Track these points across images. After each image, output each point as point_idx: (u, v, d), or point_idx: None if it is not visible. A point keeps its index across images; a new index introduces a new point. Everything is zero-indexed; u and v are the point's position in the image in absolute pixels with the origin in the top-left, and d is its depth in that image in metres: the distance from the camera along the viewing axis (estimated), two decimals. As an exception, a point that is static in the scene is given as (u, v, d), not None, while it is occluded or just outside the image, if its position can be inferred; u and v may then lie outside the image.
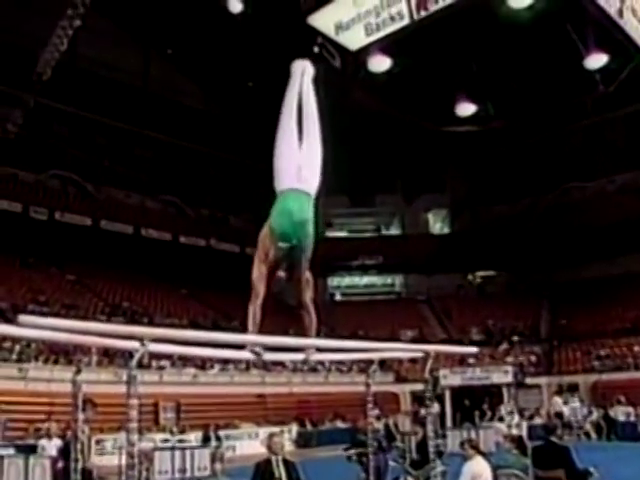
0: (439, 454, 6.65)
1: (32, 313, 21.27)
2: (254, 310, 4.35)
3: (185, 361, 24.49)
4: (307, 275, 4.38)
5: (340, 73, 33.11)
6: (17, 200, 29.42)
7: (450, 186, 42.91)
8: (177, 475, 7.41)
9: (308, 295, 4.27)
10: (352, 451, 9.57)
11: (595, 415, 22.67)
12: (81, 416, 4.70)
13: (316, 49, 30.49)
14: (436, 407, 25.30)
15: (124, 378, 3.60)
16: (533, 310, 34.89)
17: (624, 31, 16.72)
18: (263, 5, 25.67)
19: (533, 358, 30.35)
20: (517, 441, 8.87)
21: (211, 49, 33.25)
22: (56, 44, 25.87)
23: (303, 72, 5.56)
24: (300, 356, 4.25)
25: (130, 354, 3.51)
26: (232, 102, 37.26)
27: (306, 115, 5.36)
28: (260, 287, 4.36)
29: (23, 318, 3.12)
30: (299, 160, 4.68)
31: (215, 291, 32.70)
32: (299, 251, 4.30)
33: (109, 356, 21.99)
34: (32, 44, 28.02)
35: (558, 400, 23.70)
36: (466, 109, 37.27)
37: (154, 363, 22.91)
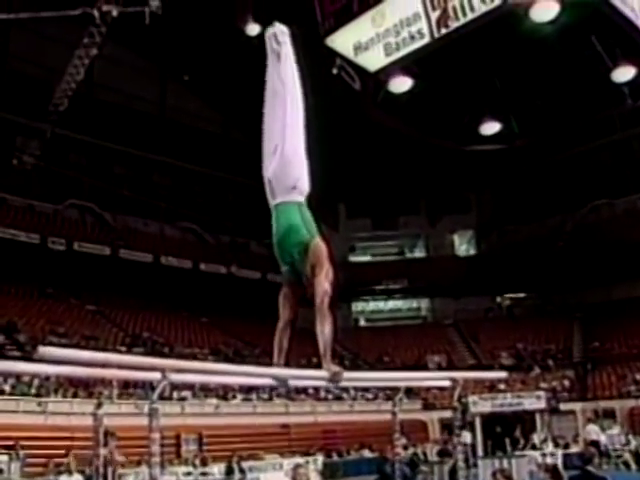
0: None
1: (51, 345, 21.44)
2: (277, 337, 4.34)
3: (207, 392, 24.48)
4: (319, 278, 4.15)
5: (360, 95, 33.41)
6: (35, 231, 29.74)
7: (475, 206, 42.81)
8: (200, 510, 7.37)
9: (318, 313, 4.07)
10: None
11: (634, 443, 22.18)
12: (102, 451, 4.71)
13: (335, 71, 30.77)
14: (468, 436, 25.03)
15: (145, 410, 3.60)
16: (564, 332, 34.49)
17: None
18: (280, 28, 25.94)
19: (566, 383, 29.92)
20: (552, 471, 8.71)
21: (228, 73, 33.63)
22: (72, 74, 26.29)
23: (277, 47, 4.82)
24: (324, 383, 4.21)
25: (151, 386, 3.52)
26: (250, 126, 37.50)
27: (283, 99, 4.69)
28: (282, 312, 4.34)
29: (42, 350, 3.14)
30: (270, 170, 4.52)
31: (237, 319, 32.78)
32: (299, 263, 4.20)
33: (130, 388, 22.05)
34: (48, 74, 28.60)
35: (594, 427, 23.22)
36: (490, 127, 37.24)
37: (175, 394, 22.92)
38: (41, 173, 31.11)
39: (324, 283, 3.95)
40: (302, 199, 4.17)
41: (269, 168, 4.37)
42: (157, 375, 3.49)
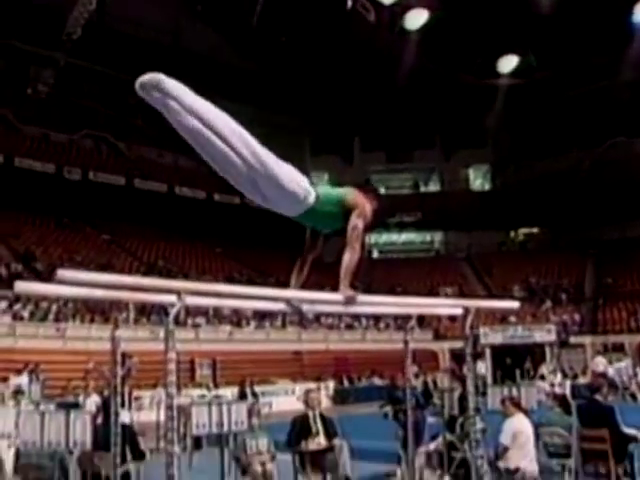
0: (478, 411, 6.67)
1: (68, 272, 21.74)
2: (297, 265, 4.35)
3: (221, 318, 24.85)
4: (353, 216, 4.00)
5: (375, 28, 32.79)
6: (50, 161, 29.82)
7: (491, 141, 42.34)
8: (215, 429, 7.55)
9: (348, 244, 3.99)
10: (388, 408, 9.67)
11: (640, 376, 22.47)
12: (120, 371, 4.81)
13: (350, 3, 30.14)
14: (483, 367, 25.37)
15: (161, 335, 3.65)
16: (577, 268, 34.54)
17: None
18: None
19: (577, 317, 30.13)
20: (561, 399, 8.85)
21: (242, 4, 33.01)
22: (85, 3, 25.93)
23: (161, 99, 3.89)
24: (341, 308, 4.24)
25: (165, 311, 3.55)
26: (265, 57, 37.02)
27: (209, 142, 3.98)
28: (307, 246, 4.31)
29: (61, 273, 3.16)
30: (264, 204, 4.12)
31: (250, 248, 32.97)
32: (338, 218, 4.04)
33: (145, 314, 22.41)
34: (61, 3, 28.11)
35: (602, 360, 23.50)
36: (508, 61, 36.70)
37: (190, 321, 23.28)
38: (56, 102, 30.98)
39: (356, 220, 3.94)
40: (312, 199, 3.84)
41: (263, 203, 3.98)
42: (173, 298, 3.52)
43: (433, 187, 43.83)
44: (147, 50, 33.86)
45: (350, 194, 4.08)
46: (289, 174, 3.86)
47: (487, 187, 43.28)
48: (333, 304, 4.30)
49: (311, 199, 3.89)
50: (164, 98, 3.82)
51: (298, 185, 3.85)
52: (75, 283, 3.31)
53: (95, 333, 20.01)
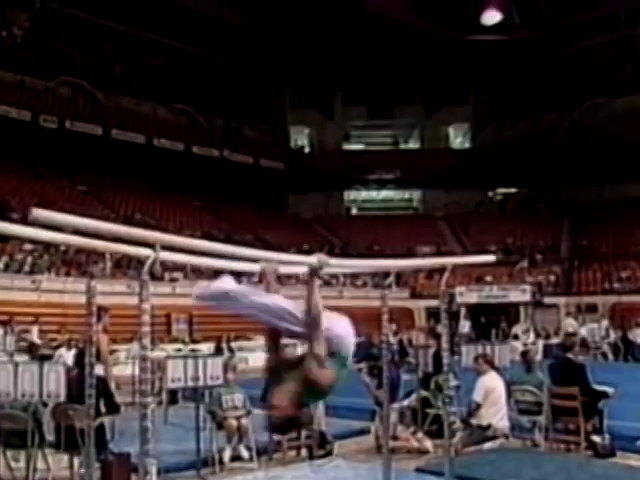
0: (452, 368, 6.76)
1: (44, 223, 21.51)
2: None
3: (198, 273, 24.80)
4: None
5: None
6: (26, 108, 29.25)
7: (473, 99, 42.19)
8: (190, 383, 7.57)
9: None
10: (363, 364, 9.73)
11: (613, 337, 22.85)
12: (95, 322, 4.78)
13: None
14: (467, 325, 25.64)
15: (137, 290, 3.61)
16: (554, 229, 34.82)
17: None
18: None
19: (552, 278, 30.47)
20: (523, 357, 9.00)
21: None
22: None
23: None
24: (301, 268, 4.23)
25: (141, 262, 3.51)
26: (247, 9, 36.39)
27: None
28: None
29: (36, 212, 3.08)
30: None
31: (229, 203, 32.85)
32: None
33: (121, 267, 22.32)
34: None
35: (571, 321, 23.89)
36: (491, 17, 36.37)
37: (167, 275, 23.22)
38: (31, 47, 30.30)
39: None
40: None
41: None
42: (148, 250, 3.48)
43: (413, 144, 43.74)
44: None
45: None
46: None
47: (467, 146, 43.26)
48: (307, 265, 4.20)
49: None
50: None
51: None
52: (50, 226, 3.24)
53: (70, 286, 19.90)
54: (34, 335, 17.62)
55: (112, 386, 8.25)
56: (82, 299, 4.81)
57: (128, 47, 34.86)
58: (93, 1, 31.85)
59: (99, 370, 7.56)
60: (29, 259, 21.06)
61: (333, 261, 4.11)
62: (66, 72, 32.47)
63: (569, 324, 23.40)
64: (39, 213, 3.06)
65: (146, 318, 3.44)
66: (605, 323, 23.54)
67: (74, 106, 32.18)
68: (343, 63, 37.01)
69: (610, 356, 21.92)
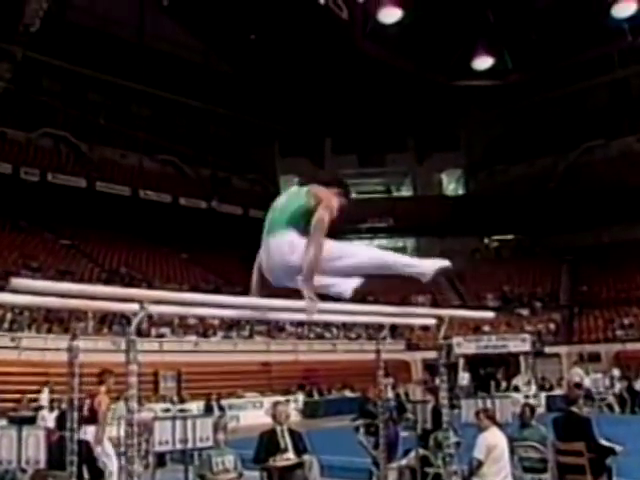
0: (452, 424, 6.68)
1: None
2: (256, 269, 4.32)
3: (186, 329, 24.65)
4: (319, 209, 3.96)
5: (348, 26, 32.88)
6: (6, 160, 29.35)
7: (465, 145, 42.68)
8: (178, 445, 7.43)
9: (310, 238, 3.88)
10: (359, 422, 9.62)
11: (618, 387, 22.67)
12: (77, 382, 4.71)
13: (322, 1, 30.17)
14: (466, 377, 25.50)
15: (122, 346, 3.59)
16: (552, 275, 34.85)
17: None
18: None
19: (552, 326, 30.36)
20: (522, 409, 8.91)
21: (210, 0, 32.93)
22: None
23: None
24: (304, 317, 4.23)
25: (127, 320, 3.50)
26: (234, 56, 36.96)
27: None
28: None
29: (15, 281, 3.10)
30: None
31: (217, 255, 32.81)
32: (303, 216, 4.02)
33: (106, 323, 22.14)
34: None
35: (578, 370, 23.73)
36: (482, 62, 36.98)
37: (154, 331, 23.05)
38: (13, 99, 30.49)
39: (321, 212, 3.90)
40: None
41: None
42: (135, 306, 3.46)
43: (405, 192, 44.05)
44: (110, 46, 33.60)
45: (311, 192, 4.05)
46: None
47: (460, 192, 43.57)
48: (296, 312, 4.28)
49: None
50: None
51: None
52: (30, 292, 3.24)
53: (52, 343, 19.65)
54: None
55: (107, 448, 8.12)
56: (64, 357, 4.76)
57: (112, 97, 35.24)
58: (76, 51, 32.25)
59: (87, 434, 7.43)
60: (9, 315, 20.86)
61: (327, 306, 4.12)
62: (48, 123, 32.73)
63: (576, 373, 23.26)
64: (18, 283, 3.06)
65: (133, 380, 3.41)
66: (616, 372, 23.36)
67: (57, 158, 32.37)
68: (332, 110, 37.47)
69: (616, 408, 21.73)
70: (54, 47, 31.16)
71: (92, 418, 8.24)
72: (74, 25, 32.26)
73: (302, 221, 3.97)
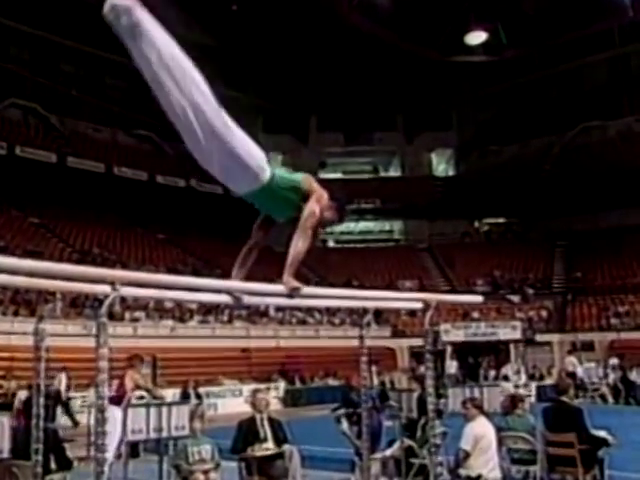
0: (439, 413, 6.71)
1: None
2: (241, 253, 4.30)
3: (162, 312, 24.58)
4: (310, 201, 3.94)
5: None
6: (-28, 133, 29.08)
7: (456, 123, 42.70)
8: (152, 434, 7.43)
9: (299, 229, 3.87)
10: (342, 411, 9.66)
11: (612, 377, 22.82)
12: (43, 367, 4.68)
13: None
14: (454, 366, 25.65)
15: (94, 331, 3.55)
16: (545, 261, 35.07)
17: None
18: None
19: (544, 313, 30.56)
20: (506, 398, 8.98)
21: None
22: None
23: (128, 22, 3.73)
24: (284, 300, 4.22)
25: (100, 302, 3.46)
26: (217, 28, 36.64)
27: (172, 94, 3.91)
28: (255, 233, 4.26)
29: (-22, 256, 3.04)
30: (219, 176, 3.84)
31: (196, 236, 32.72)
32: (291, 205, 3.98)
33: (77, 307, 22.04)
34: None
35: (572, 360, 23.88)
36: (476, 37, 36.91)
37: (128, 315, 22.99)
38: (-21, 67, 30.17)
39: (313, 205, 3.89)
40: (266, 177, 3.72)
41: (216, 174, 3.79)
42: (106, 288, 3.43)
43: (393, 172, 44.05)
44: (83, 13, 33.13)
45: (307, 180, 4.04)
46: (244, 143, 3.84)
47: (451, 173, 43.64)
48: (276, 296, 4.27)
49: (265, 177, 3.83)
50: (133, 26, 3.69)
51: (252, 158, 3.80)
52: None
53: (19, 327, 19.56)
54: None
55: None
56: (31, 341, 4.73)
57: (85, 67, 34.87)
58: (48, 18, 31.85)
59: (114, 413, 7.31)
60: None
61: (309, 290, 4.10)
62: (16, 94, 32.34)
63: (570, 362, 23.41)
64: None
65: (104, 364, 3.38)
66: (615, 361, 23.49)
67: (25, 130, 32.03)
68: (318, 85, 37.33)
69: (610, 399, 21.89)
70: (22, 12, 30.73)
71: (117, 399, 8.29)
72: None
73: (289, 190, 3.93)
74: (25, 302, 21.26)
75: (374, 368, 19.38)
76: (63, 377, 16.51)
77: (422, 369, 9.00)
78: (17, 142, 30.19)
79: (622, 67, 37.41)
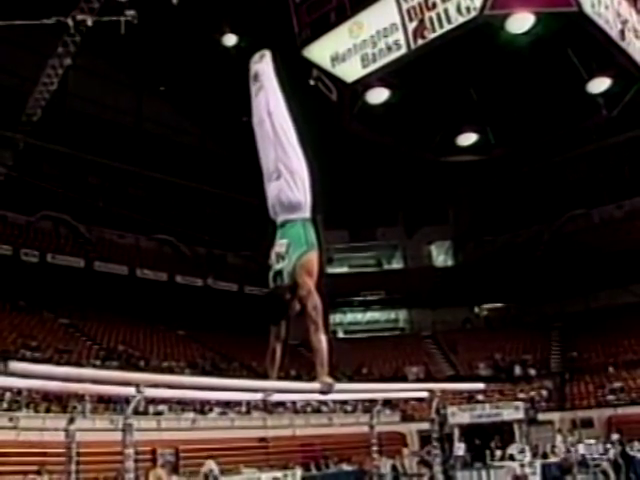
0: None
1: (23, 359, 21.16)
2: (269, 352, 4.34)
3: (183, 405, 24.31)
4: (310, 290, 4.04)
5: (337, 106, 33.53)
6: (7, 243, 29.42)
7: (453, 217, 43.05)
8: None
9: (312, 325, 3.95)
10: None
11: (612, 452, 22.26)
12: (74, 468, 4.66)
13: (312, 82, 30.81)
14: (462, 448, 25.10)
15: (120, 425, 3.57)
16: (542, 342, 34.72)
17: (626, 53, 16.78)
18: (257, 38, 26.00)
19: (544, 393, 30.08)
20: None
21: (205, 84, 33.64)
22: (46, 83, 26.09)
23: (258, 73, 4.84)
24: (305, 396, 4.23)
25: (126, 401, 3.48)
26: (227, 138, 37.53)
27: (272, 124, 4.78)
28: (272, 332, 4.32)
29: (14, 365, 3.10)
30: (274, 194, 4.51)
31: (214, 331, 32.58)
32: (291, 274, 4.12)
33: (104, 402, 21.81)
34: (21, 84, 28.39)
35: (559, 440, 23.38)
36: (467, 138, 37.46)
37: (151, 408, 22.72)
38: (14, 184, 30.78)
39: (315, 295, 3.97)
40: (307, 215, 4.25)
41: (272, 192, 4.40)
42: (131, 390, 3.46)
43: (396, 264, 44.14)
44: (109, 131, 34.19)
45: (309, 260, 4.15)
46: (305, 186, 4.83)
47: (450, 263, 43.71)
48: (311, 393, 4.27)
49: (307, 214, 4.16)
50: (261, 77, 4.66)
51: (305, 199, 4.66)
52: (29, 375, 3.24)
53: (50, 424, 19.32)
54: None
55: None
56: (63, 437, 4.71)
57: (110, 180, 35.58)
58: (76, 137, 32.73)
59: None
60: (7, 395, 20.55)
61: (339, 386, 4.12)
62: (48, 206, 32.90)
63: (560, 444, 22.96)
64: (16, 366, 3.06)
65: (130, 465, 3.38)
66: (616, 437, 22.95)
67: (56, 239, 32.45)
68: (323, 187, 37.74)
69: (611, 474, 21.29)
70: (54, 134, 31.66)
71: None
72: (74, 112, 32.91)
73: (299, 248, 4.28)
74: (56, 399, 21.08)
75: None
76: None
77: (430, 451, 8.84)
78: (48, 250, 30.57)
79: (600, 161, 37.93)
